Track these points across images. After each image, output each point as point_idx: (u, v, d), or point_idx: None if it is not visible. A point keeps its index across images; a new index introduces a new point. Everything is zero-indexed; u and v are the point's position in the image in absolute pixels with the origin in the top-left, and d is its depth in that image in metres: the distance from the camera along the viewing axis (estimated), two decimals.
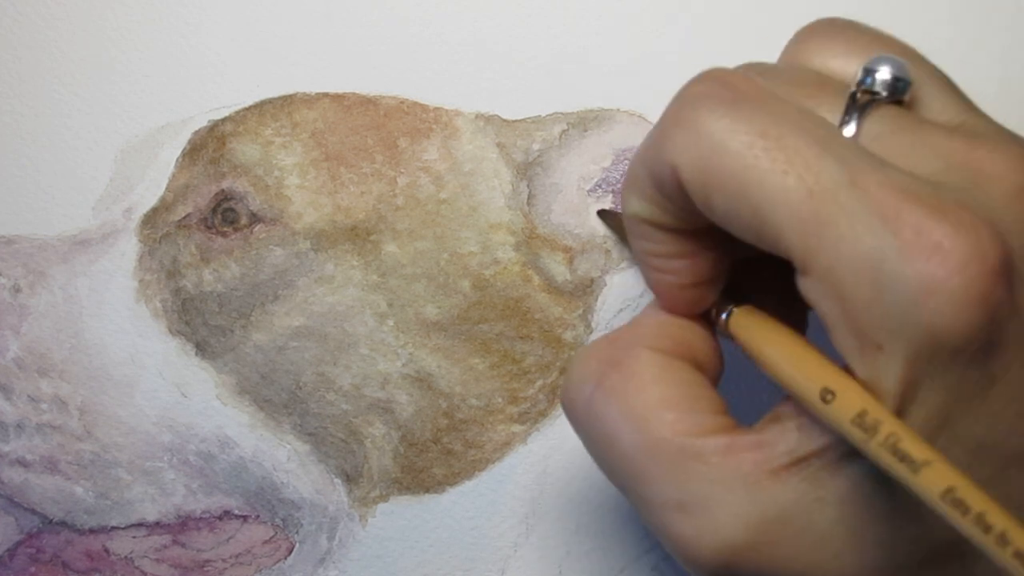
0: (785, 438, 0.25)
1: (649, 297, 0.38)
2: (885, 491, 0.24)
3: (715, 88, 0.25)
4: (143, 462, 0.37)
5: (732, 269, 0.28)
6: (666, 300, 0.28)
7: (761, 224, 0.23)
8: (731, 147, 0.23)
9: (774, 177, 0.23)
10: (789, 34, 0.40)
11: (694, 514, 0.24)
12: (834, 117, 0.25)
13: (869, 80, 0.26)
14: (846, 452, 0.24)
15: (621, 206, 0.26)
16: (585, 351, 0.27)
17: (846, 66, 0.27)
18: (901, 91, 0.26)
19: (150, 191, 0.38)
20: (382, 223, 0.37)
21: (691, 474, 0.24)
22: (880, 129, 0.25)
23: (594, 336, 0.38)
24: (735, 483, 0.24)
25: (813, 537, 0.24)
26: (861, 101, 0.25)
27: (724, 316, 0.28)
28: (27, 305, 0.37)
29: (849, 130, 0.25)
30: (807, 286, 0.23)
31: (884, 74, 0.25)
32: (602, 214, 0.38)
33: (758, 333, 0.27)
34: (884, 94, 0.25)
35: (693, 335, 0.28)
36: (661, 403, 0.25)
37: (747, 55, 0.39)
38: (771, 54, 0.39)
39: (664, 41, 0.39)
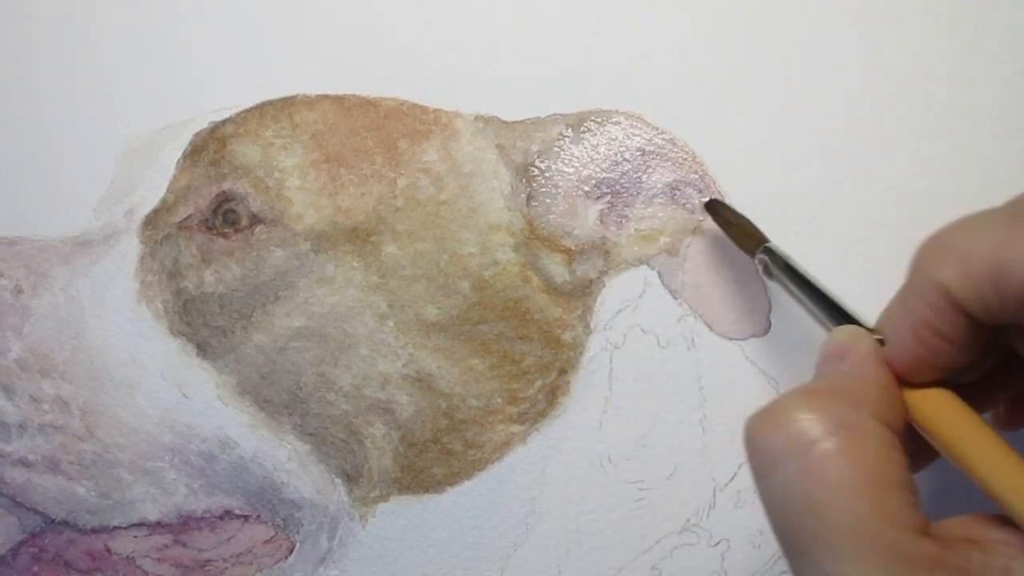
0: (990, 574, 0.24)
1: (649, 297, 0.38)
2: None
3: None
4: (144, 462, 0.37)
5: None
6: (906, 365, 0.27)
7: None
8: None
9: None
10: (787, 34, 0.40)
11: None
12: None
13: None
14: None
15: (920, 269, 0.25)
16: (809, 398, 0.26)
17: None
18: None
19: (151, 192, 0.38)
20: (382, 224, 0.37)
21: (895, 573, 0.23)
22: None
23: (593, 336, 0.38)
24: None
25: None
26: None
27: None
28: (29, 306, 0.37)
29: None
30: None
31: None
32: (712, 206, 0.37)
33: (962, 426, 0.26)
34: None
35: (902, 409, 0.27)
36: (884, 487, 0.24)
37: (745, 56, 0.39)
38: (771, 54, 0.39)
39: (663, 43, 0.39)
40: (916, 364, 0.27)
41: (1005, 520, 0.24)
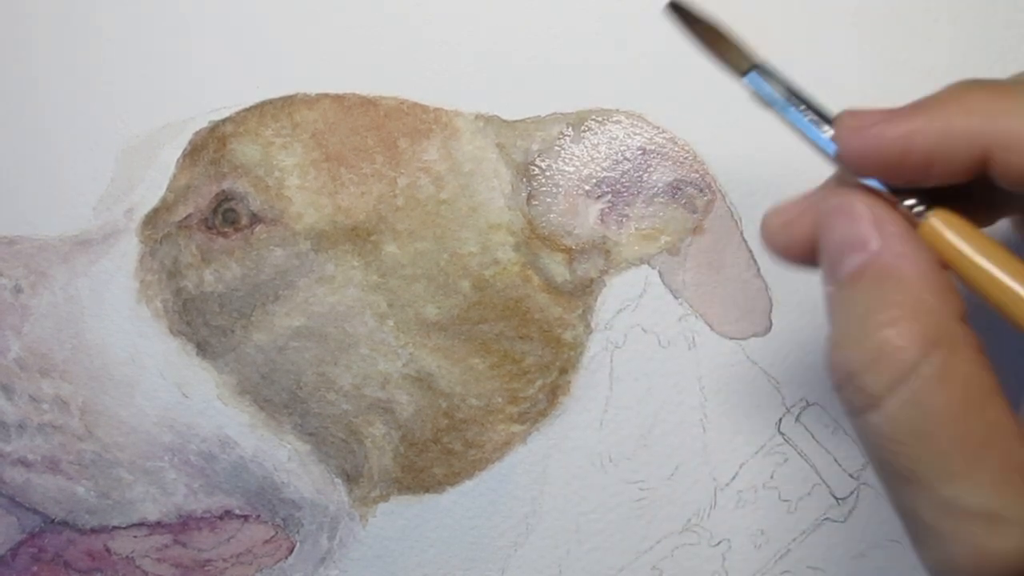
0: None
1: (650, 297, 0.38)
2: None
3: None
4: (144, 462, 0.37)
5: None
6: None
7: None
8: None
9: None
10: (788, 34, 0.40)
11: (1005, 531, 0.23)
12: None
13: None
14: None
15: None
16: (891, 309, 0.24)
17: None
18: None
19: (151, 191, 0.38)
20: (382, 223, 0.37)
21: (1019, 489, 0.23)
22: None
23: (594, 336, 0.38)
24: None
25: None
26: None
27: (918, 215, 0.26)
28: (28, 305, 0.37)
29: None
30: None
31: None
32: (672, 8, 0.32)
33: (976, 246, 0.25)
34: None
35: (947, 279, 0.26)
36: (984, 400, 0.24)
37: None
38: (771, 54, 0.39)
39: (664, 42, 0.39)
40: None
41: None
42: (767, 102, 0.30)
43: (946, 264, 0.25)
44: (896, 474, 0.24)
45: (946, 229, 0.26)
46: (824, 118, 0.28)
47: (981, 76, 0.39)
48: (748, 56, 0.31)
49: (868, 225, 0.26)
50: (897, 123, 0.26)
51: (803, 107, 0.29)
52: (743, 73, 0.30)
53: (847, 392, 0.25)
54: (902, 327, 0.24)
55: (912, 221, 0.26)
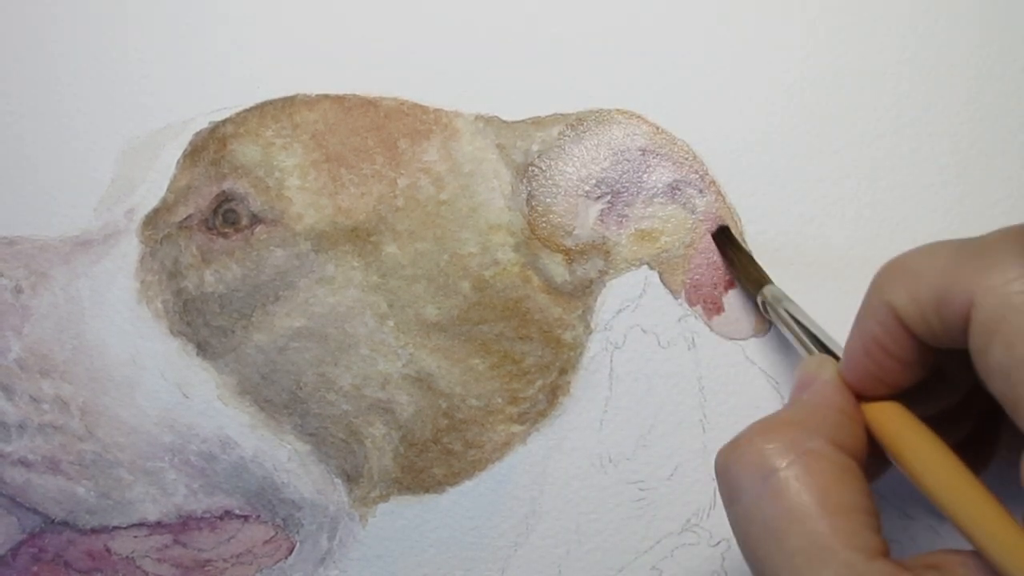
0: None
1: (649, 297, 0.38)
2: None
3: None
4: (144, 462, 0.37)
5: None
6: (857, 381, 0.28)
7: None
8: None
9: None
10: (787, 33, 0.40)
11: None
12: None
13: None
14: None
15: (875, 290, 0.27)
16: (766, 428, 0.27)
17: None
18: None
19: (151, 192, 0.38)
20: (382, 224, 0.37)
21: None
22: None
23: (593, 336, 0.38)
24: None
25: None
26: None
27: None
28: (29, 306, 0.37)
29: None
30: None
31: None
32: (720, 235, 0.38)
33: (913, 440, 0.26)
34: None
35: (861, 428, 0.27)
36: (840, 510, 0.25)
37: (743, 57, 0.39)
38: (769, 55, 0.39)
39: (664, 42, 0.39)
40: (867, 381, 0.28)
41: (976, 554, 0.24)
42: (774, 319, 0.35)
43: (883, 444, 0.27)
44: (756, 568, 0.26)
45: (882, 416, 0.28)
46: (819, 345, 0.32)
47: (984, 75, 0.39)
48: (765, 278, 0.36)
49: (812, 372, 0.29)
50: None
51: (800, 331, 0.34)
52: (757, 291, 0.36)
53: (720, 482, 0.27)
54: (775, 436, 0.26)
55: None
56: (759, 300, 0.36)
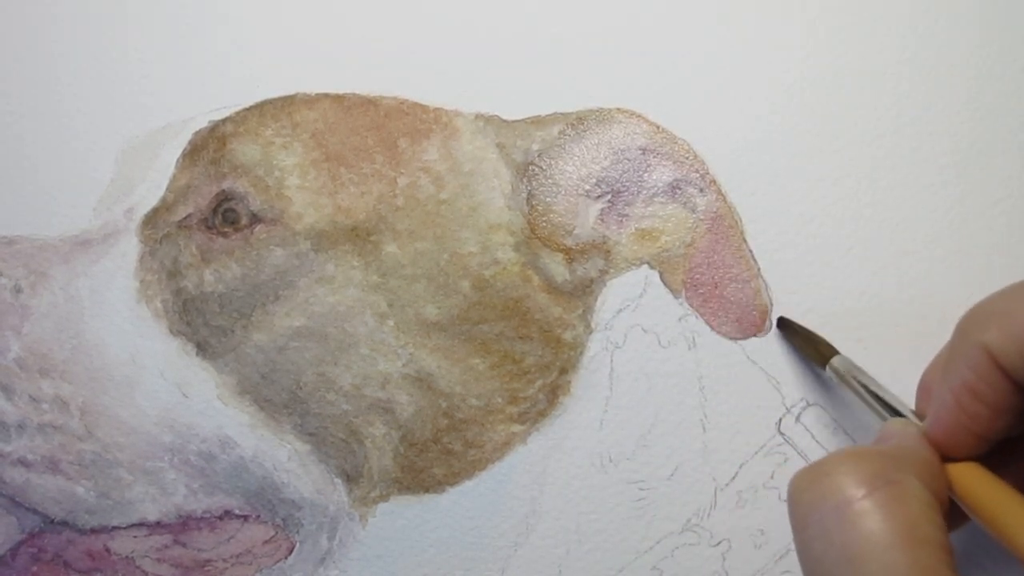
0: None
1: (650, 297, 0.38)
2: None
3: None
4: (144, 462, 0.37)
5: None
6: (945, 436, 0.28)
7: None
8: None
9: None
10: (787, 32, 0.40)
11: None
12: None
13: None
14: None
15: (964, 335, 0.26)
16: (851, 456, 0.26)
17: None
18: None
19: (151, 191, 0.38)
20: (382, 223, 0.37)
21: None
22: None
23: (594, 336, 0.38)
24: None
25: None
26: None
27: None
28: (28, 305, 0.37)
29: None
30: None
31: None
32: (784, 325, 0.38)
33: (1000, 501, 0.26)
34: None
35: (944, 481, 0.27)
36: (922, 543, 0.25)
37: (743, 56, 0.39)
38: (769, 54, 0.39)
39: (664, 41, 0.39)
40: (956, 434, 0.27)
41: None
42: (847, 386, 0.35)
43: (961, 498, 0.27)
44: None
45: (966, 476, 0.28)
46: (890, 410, 0.33)
47: (982, 75, 0.39)
48: (831, 350, 0.36)
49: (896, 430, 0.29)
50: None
51: (871, 397, 0.34)
52: (825, 363, 0.36)
53: (792, 506, 0.27)
54: (858, 466, 0.26)
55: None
56: (828, 372, 0.36)
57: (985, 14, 0.40)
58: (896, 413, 0.32)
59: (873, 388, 0.34)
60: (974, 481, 0.27)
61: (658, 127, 0.39)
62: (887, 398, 0.33)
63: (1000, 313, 0.26)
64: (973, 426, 0.27)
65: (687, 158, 0.38)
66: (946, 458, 0.28)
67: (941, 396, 0.27)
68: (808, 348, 0.37)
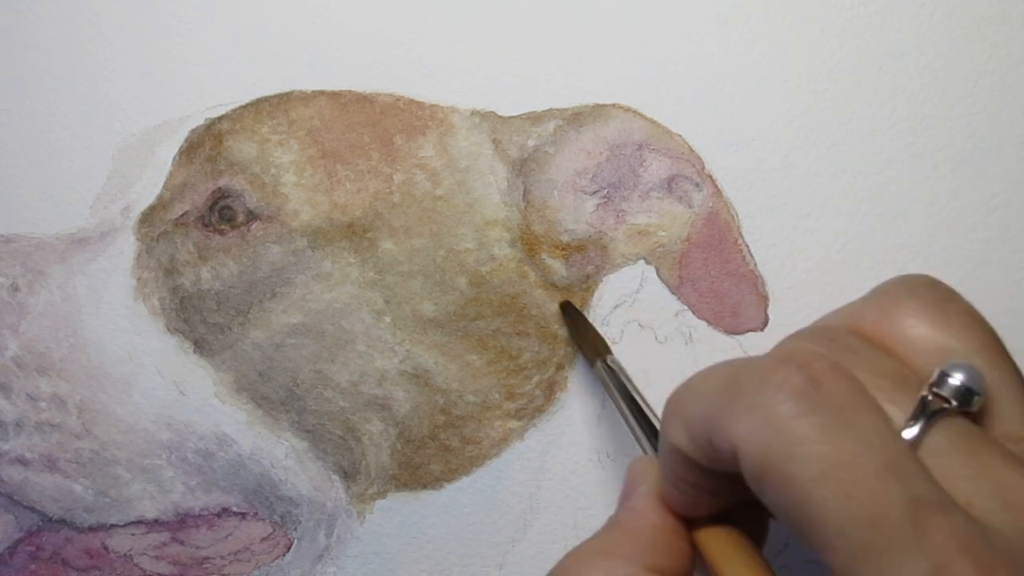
0: None
1: (646, 292, 0.38)
2: None
3: (798, 381, 0.23)
4: (142, 460, 0.37)
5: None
6: (673, 503, 0.28)
7: (809, 532, 0.22)
8: (799, 455, 0.22)
9: (838, 502, 0.22)
10: (784, 28, 0.40)
11: None
12: (902, 414, 0.24)
13: (943, 383, 0.25)
14: None
15: (664, 428, 0.26)
16: (578, 558, 0.27)
17: (924, 349, 0.27)
18: (969, 403, 0.25)
19: (147, 189, 0.38)
20: (378, 220, 0.37)
21: None
22: (942, 444, 0.24)
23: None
24: None
25: None
26: (931, 408, 0.25)
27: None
28: (26, 304, 0.37)
29: (910, 432, 0.24)
30: None
31: (956, 380, 0.25)
32: (565, 308, 0.37)
33: (739, 566, 0.26)
34: (954, 403, 0.25)
35: (683, 541, 0.27)
36: None
37: (743, 50, 0.39)
38: (765, 54, 0.39)
39: (660, 36, 0.39)
40: (684, 507, 0.27)
41: None
42: (606, 388, 0.35)
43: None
44: None
45: (707, 543, 0.27)
46: (644, 424, 0.33)
47: (981, 73, 0.39)
48: (605, 348, 0.36)
49: (636, 479, 0.29)
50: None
51: (631, 405, 0.34)
52: (593, 361, 0.36)
53: None
54: (587, 569, 0.26)
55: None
56: (597, 368, 0.36)
57: (981, 8, 0.40)
58: (651, 428, 0.32)
59: (638, 399, 0.33)
60: (716, 551, 0.27)
61: (654, 122, 0.39)
62: (648, 412, 0.33)
63: (683, 416, 0.26)
64: (700, 501, 0.27)
65: (683, 153, 0.38)
66: (692, 520, 0.28)
67: (664, 477, 0.27)
68: (582, 342, 0.37)
